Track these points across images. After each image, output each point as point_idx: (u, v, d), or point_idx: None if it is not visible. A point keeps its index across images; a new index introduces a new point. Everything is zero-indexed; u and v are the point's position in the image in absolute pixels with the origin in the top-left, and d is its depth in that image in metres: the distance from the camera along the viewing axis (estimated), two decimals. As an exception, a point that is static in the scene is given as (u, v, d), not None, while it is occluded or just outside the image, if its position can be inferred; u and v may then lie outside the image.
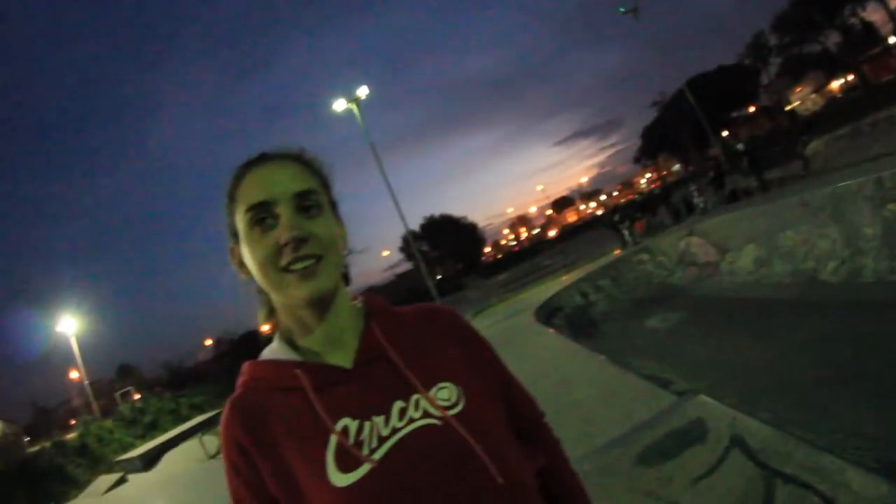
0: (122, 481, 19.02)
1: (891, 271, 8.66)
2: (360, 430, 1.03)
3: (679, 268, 16.63)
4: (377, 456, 1.00)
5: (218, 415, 15.05)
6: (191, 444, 18.96)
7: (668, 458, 4.17)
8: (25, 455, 23.05)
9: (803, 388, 6.29)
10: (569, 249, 47.44)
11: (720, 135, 58.56)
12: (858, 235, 9.68)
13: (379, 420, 1.04)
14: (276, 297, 1.14)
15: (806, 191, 12.19)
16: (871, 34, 61.82)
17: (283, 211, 1.08)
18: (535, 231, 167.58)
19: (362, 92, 25.84)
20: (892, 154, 12.81)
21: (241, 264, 1.17)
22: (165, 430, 25.56)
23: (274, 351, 1.18)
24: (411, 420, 1.04)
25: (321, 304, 1.12)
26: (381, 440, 1.01)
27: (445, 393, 1.09)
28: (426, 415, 1.05)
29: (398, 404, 1.06)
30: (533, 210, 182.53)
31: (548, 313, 15.47)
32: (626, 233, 22.29)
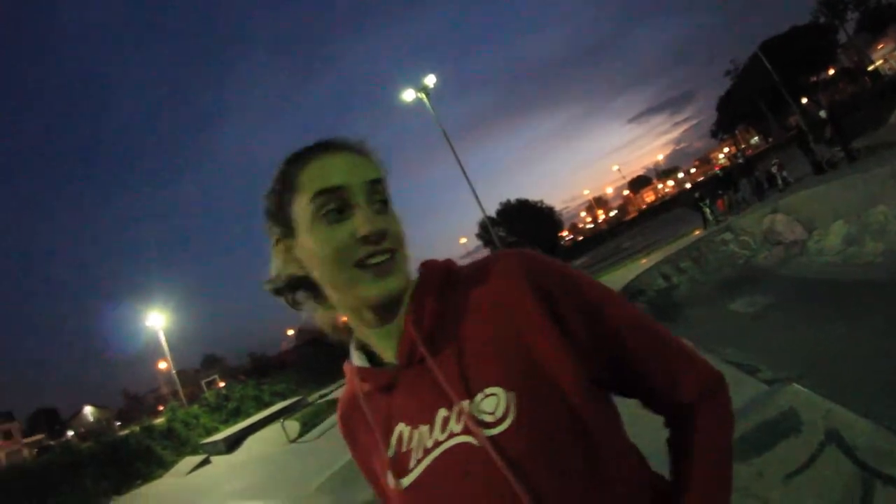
0: (205, 462, 19.84)
1: None
2: (410, 437, 1.01)
3: (764, 247, 16.10)
4: (420, 469, 0.98)
5: (299, 401, 15.52)
6: (273, 429, 19.47)
7: (760, 451, 4.07)
8: (116, 438, 24.18)
9: (892, 378, 6.05)
10: (648, 230, 46.76)
11: (800, 101, 56.24)
12: (956, 209, 9.18)
13: (424, 430, 0.99)
14: (338, 295, 1.04)
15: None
16: None
17: (360, 201, 1.01)
18: (613, 213, 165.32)
19: (430, 80, 26.03)
20: None
21: (290, 260, 1.07)
22: (248, 416, 26.43)
23: (352, 354, 1.15)
24: (451, 434, 0.96)
25: (388, 306, 1.03)
26: (426, 452, 0.98)
27: (492, 403, 0.94)
28: (465, 431, 0.94)
29: (442, 413, 0.98)
30: (609, 191, 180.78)
31: (629, 297, 15.10)
32: (707, 211, 21.81)
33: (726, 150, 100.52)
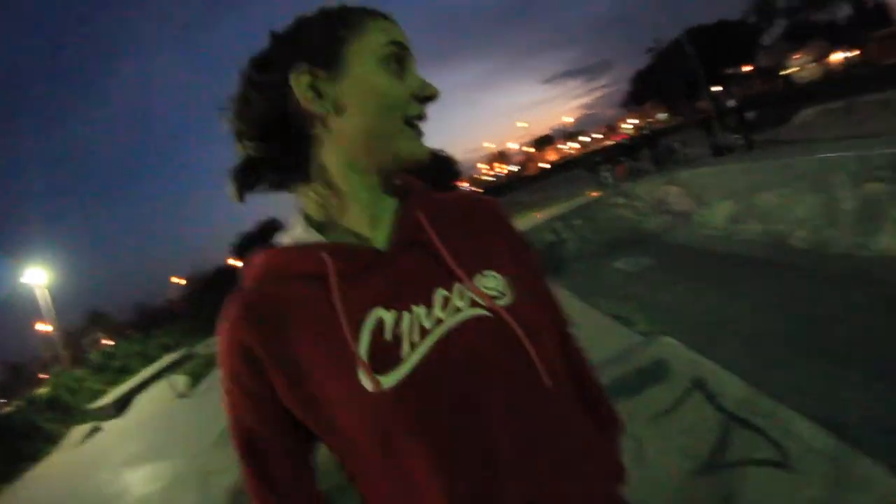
0: (95, 430, 18.67)
1: (860, 247, 8.82)
2: (397, 322, 0.90)
3: (653, 215, 16.79)
4: (417, 356, 0.87)
5: (186, 354, 14.85)
6: (162, 385, 18.86)
7: (630, 395, 4.28)
8: (-1, 416, 22.26)
9: (762, 343, 6.53)
10: (546, 188, 47.39)
11: (712, 89, 58.27)
12: (835, 208, 9.82)
13: (420, 310, 0.91)
14: (370, 144, 0.96)
15: (790, 156, 12.31)
16: (883, 15, 61.19)
17: (413, 64, 1.00)
18: (514, 168, 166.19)
19: None
20: (883, 136, 12.91)
21: (315, 95, 0.94)
22: (136, 373, 25.12)
23: (297, 236, 1.00)
24: (457, 310, 0.92)
25: (395, 176, 1.03)
26: (424, 333, 0.89)
27: (491, 282, 0.98)
28: (473, 304, 0.93)
29: (440, 293, 0.93)
30: (512, 147, 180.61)
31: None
32: (605, 175, 22.33)
33: (634, 121, 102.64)
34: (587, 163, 31.00)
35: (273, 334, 0.90)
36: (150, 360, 28.42)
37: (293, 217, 1.03)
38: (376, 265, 0.94)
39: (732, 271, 10.19)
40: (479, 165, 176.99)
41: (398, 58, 0.96)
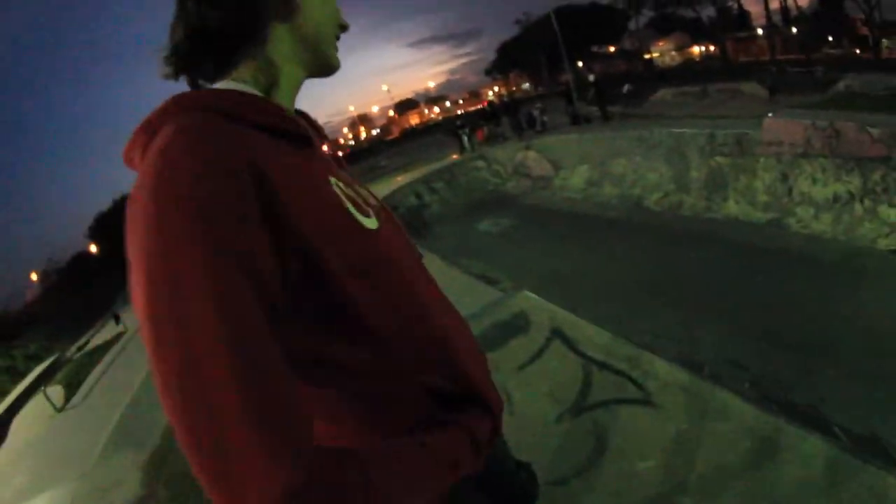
0: None
1: (707, 210, 9.53)
2: (350, 191, 1.00)
3: (513, 178, 17.13)
4: (375, 217, 1.00)
5: (57, 360, 13.38)
6: (36, 401, 17.15)
7: (494, 347, 4.41)
8: None
9: (619, 293, 6.91)
10: (408, 151, 47.49)
11: (576, 64, 60.43)
12: (685, 176, 10.45)
13: (360, 189, 1.07)
14: (310, 48, 1.04)
15: (644, 128, 12.85)
16: (744, 20, 66.85)
17: None
18: (376, 131, 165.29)
19: None
20: (729, 118, 13.70)
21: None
22: (5, 393, 22.72)
23: (246, 92, 0.93)
24: (375, 201, 1.09)
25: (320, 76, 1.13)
26: (370, 206, 1.03)
27: (373, 197, 1.13)
28: (383, 207, 1.11)
29: (359, 188, 1.07)
30: (375, 110, 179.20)
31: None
32: (465, 139, 22.46)
33: (497, 89, 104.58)
34: (448, 127, 31.18)
35: (274, 170, 0.80)
36: (19, 375, 25.63)
37: (231, 80, 0.97)
38: (312, 145, 0.98)
39: (590, 230, 10.54)
40: (345, 130, 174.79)
41: None
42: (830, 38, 57.69)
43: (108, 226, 69.98)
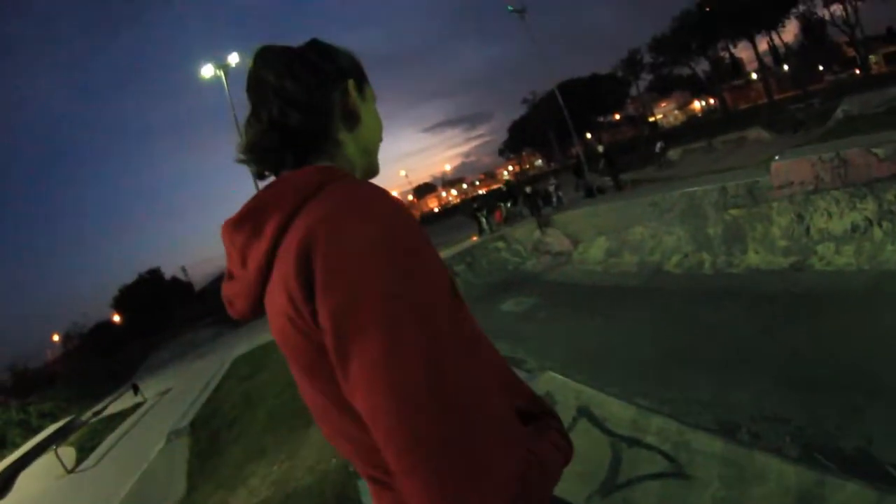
0: None
1: (728, 265, 9.40)
2: None
3: (533, 256, 17.09)
4: None
5: (72, 421, 13.60)
6: (47, 459, 17.16)
7: None
8: None
9: (647, 364, 6.73)
10: (428, 234, 47.98)
11: (584, 136, 61.31)
12: (702, 234, 10.37)
13: None
14: (368, 157, 1.31)
15: (657, 193, 12.85)
16: (737, 67, 68.10)
17: None
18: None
19: (233, 59, 23.27)
20: (738, 168, 13.68)
21: (356, 104, 1.24)
22: (16, 447, 22.85)
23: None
24: None
25: None
26: None
27: None
28: None
29: None
30: (395, 195, 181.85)
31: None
32: (483, 221, 22.59)
33: (510, 168, 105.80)
34: (466, 209, 31.46)
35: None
36: (31, 430, 25.92)
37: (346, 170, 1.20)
38: None
39: (613, 301, 10.40)
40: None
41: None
42: (821, 68, 58.20)
43: (131, 298, 70.67)
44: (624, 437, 3.78)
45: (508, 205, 24.37)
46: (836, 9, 53.82)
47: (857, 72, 51.90)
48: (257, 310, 1.13)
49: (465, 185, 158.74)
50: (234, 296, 1.15)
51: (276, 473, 7.02)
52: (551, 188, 23.83)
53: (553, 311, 11.40)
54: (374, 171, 1.34)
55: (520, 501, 0.83)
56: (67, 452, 16.72)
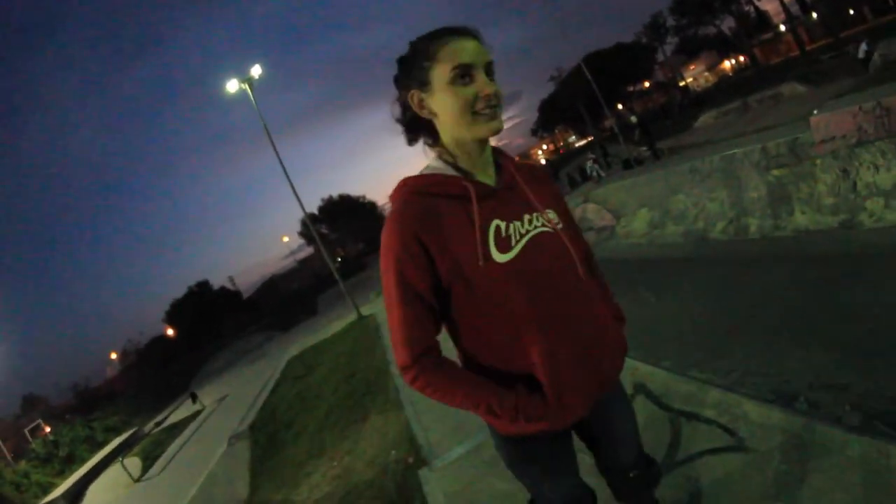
0: None
1: (775, 228, 9.16)
2: (507, 228, 1.57)
3: (576, 233, 16.90)
4: (521, 245, 1.57)
5: (135, 433, 14.01)
6: (114, 470, 17.84)
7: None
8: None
9: (699, 335, 6.58)
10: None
11: (615, 108, 60.45)
12: (745, 198, 10.13)
13: (517, 224, 1.60)
14: (457, 132, 1.59)
15: (696, 158, 12.63)
16: (763, 21, 66.06)
17: (479, 73, 1.53)
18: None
19: (255, 71, 23.88)
20: (777, 127, 13.37)
21: (421, 107, 1.60)
22: (84, 461, 23.80)
23: (437, 168, 1.64)
24: (536, 227, 1.62)
25: (485, 142, 1.63)
26: (521, 236, 1.58)
27: (552, 214, 1.70)
28: (544, 225, 1.64)
29: (527, 216, 1.63)
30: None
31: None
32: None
33: (545, 147, 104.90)
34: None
35: (436, 229, 1.51)
36: (97, 444, 26.98)
37: (428, 158, 1.72)
38: (492, 195, 1.61)
39: (660, 273, 10.28)
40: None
41: (462, 73, 1.51)
42: (852, 12, 56.17)
43: (183, 311, 72.03)
44: (682, 411, 3.74)
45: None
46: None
47: (890, 15, 49.91)
48: None
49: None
50: None
51: (337, 469, 7.08)
52: (588, 163, 23.60)
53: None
54: (475, 136, 1.58)
55: (407, 376, 1.57)
56: (133, 463, 17.30)
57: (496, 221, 1.57)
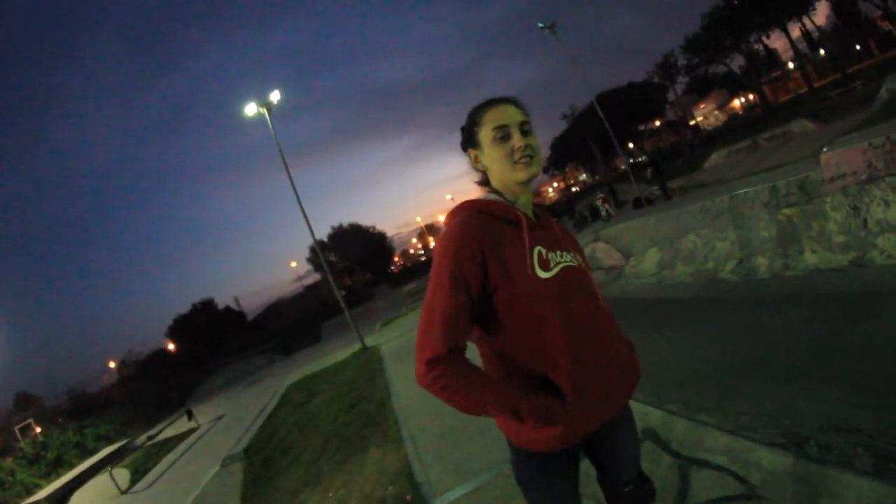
0: None
1: (785, 267, 9.08)
2: (547, 254, 1.93)
3: (585, 272, 16.83)
4: (557, 269, 1.91)
5: (126, 445, 14.04)
6: (101, 480, 17.72)
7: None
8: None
9: (709, 378, 6.46)
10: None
11: (626, 146, 60.90)
12: (755, 237, 10.09)
13: (555, 253, 1.96)
14: (503, 177, 2.02)
15: (706, 198, 12.59)
16: (772, 59, 66.94)
17: (515, 131, 1.97)
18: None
19: (274, 96, 24.43)
20: (786, 165, 13.34)
21: (477, 161, 2.10)
22: (72, 466, 23.69)
23: (495, 198, 2.02)
24: (566, 260, 1.98)
25: (524, 185, 2.02)
26: (557, 263, 1.93)
27: (577, 257, 2.08)
28: (571, 260, 2.00)
29: (559, 251, 1.99)
30: (441, 219, 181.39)
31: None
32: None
33: (556, 184, 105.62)
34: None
35: (493, 243, 1.84)
36: (87, 451, 26.90)
37: (484, 191, 2.13)
38: (534, 227, 1.99)
39: (668, 314, 10.12)
40: (413, 240, 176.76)
41: (501, 134, 1.97)
42: (858, 48, 56.55)
43: (186, 327, 72.26)
44: (692, 458, 3.69)
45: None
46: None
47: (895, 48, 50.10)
48: None
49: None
50: None
51: (332, 501, 6.93)
52: (598, 202, 23.64)
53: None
54: (513, 182, 2.01)
55: (433, 371, 1.72)
56: (122, 474, 17.21)
57: (539, 247, 1.92)
